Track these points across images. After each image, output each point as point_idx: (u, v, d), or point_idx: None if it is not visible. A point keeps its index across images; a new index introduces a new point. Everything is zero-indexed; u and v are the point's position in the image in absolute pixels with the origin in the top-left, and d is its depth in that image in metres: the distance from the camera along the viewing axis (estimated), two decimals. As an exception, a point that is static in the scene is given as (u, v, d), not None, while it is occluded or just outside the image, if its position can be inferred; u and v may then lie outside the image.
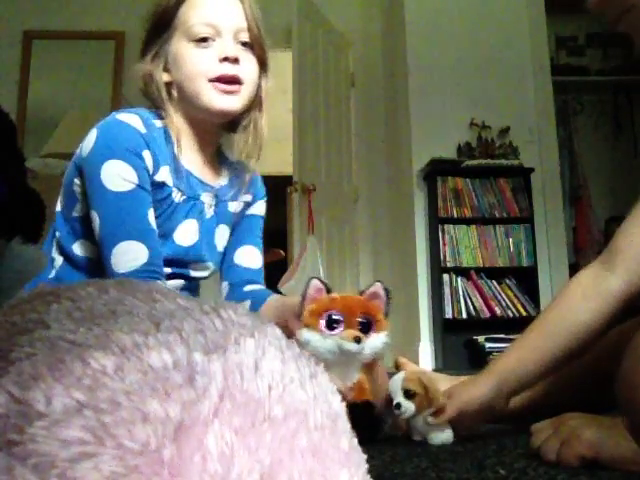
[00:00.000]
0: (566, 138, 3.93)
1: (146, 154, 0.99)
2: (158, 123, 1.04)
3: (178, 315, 0.31)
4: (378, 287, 0.95)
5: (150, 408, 0.25)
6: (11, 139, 0.72)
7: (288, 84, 3.43)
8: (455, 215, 3.17)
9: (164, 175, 1.02)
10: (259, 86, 1.09)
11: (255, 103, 1.10)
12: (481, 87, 3.39)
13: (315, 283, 0.95)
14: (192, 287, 1.17)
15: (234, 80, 1.02)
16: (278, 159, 6.34)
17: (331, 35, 3.90)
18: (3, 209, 0.62)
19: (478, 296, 3.09)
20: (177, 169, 1.04)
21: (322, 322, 0.89)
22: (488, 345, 2.81)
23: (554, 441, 0.70)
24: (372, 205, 3.97)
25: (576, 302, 0.88)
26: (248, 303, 1.13)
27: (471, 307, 3.08)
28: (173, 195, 1.04)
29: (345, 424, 0.31)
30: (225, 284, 1.20)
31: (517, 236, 3.17)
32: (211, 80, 1.01)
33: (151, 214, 0.99)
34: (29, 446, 0.23)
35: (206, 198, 1.11)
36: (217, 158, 1.17)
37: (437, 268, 3.14)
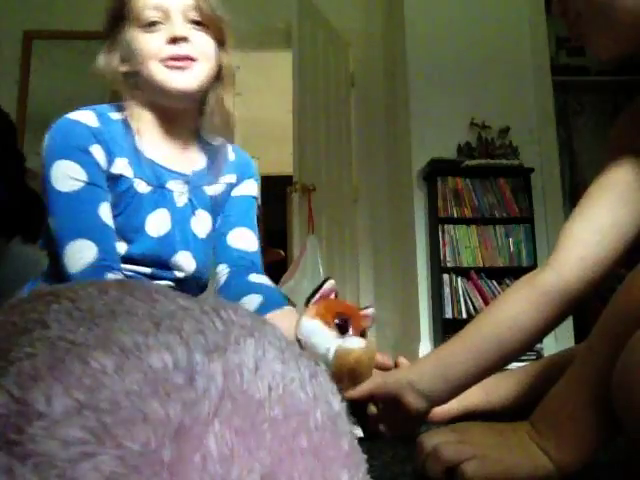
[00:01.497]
0: (566, 138, 3.93)
1: (95, 149, 1.00)
2: (117, 116, 1.05)
3: (178, 315, 0.31)
4: (372, 311, 1.00)
5: (150, 408, 0.25)
6: (11, 139, 0.72)
7: (288, 84, 3.43)
8: (455, 215, 3.17)
9: (121, 167, 1.02)
10: (220, 64, 1.09)
11: (217, 81, 1.10)
12: (481, 87, 3.39)
13: (332, 282, 0.98)
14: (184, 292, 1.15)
15: (185, 58, 1.02)
16: (278, 159, 6.34)
17: (331, 35, 3.90)
18: (3, 209, 0.62)
19: (478, 296, 3.09)
20: (138, 159, 1.04)
21: (336, 321, 0.91)
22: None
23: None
24: (372, 205, 3.97)
25: (508, 294, 0.85)
26: (258, 299, 1.08)
27: (471, 307, 3.08)
28: (136, 186, 1.03)
29: (345, 424, 0.31)
30: (222, 267, 1.16)
31: (517, 236, 3.17)
32: (162, 61, 1.02)
33: (104, 209, 0.99)
34: (29, 446, 0.23)
35: (175, 186, 1.09)
36: (197, 144, 1.16)
37: (437, 268, 3.14)
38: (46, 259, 1.02)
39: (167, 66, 1.02)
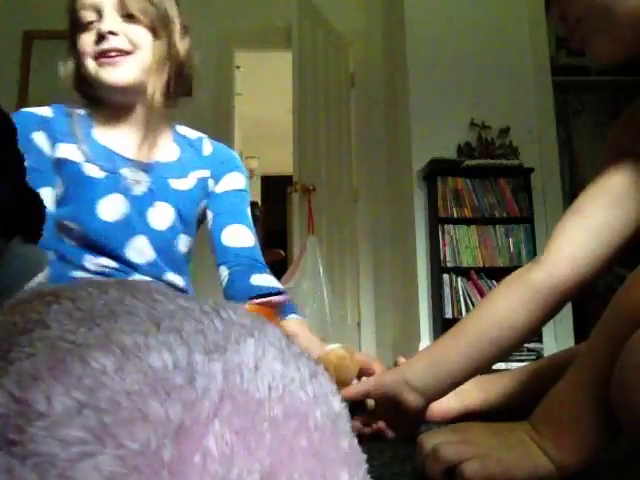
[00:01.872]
0: (566, 138, 3.93)
1: (37, 135, 1.05)
2: (78, 111, 1.11)
3: (178, 315, 0.31)
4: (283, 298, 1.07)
5: (150, 408, 0.25)
6: (11, 139, 0.72)
7: (288, 84, 3.43)
8: (455, 215, 3.17)
9: (65, 151, 1.05)
10: (164, 53, 1.10)
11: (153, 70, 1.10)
12: (481, 87, 3.39)
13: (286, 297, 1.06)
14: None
15: (115, 52, 1.05)
16: (278, 159, 6.34)
17: (331, 35, 3.90)
18: (3, 209, 0.62)
19: (478, 296, 3.09)
20: (92, 146, 1.07)
21: None
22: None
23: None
24: (372, 205, 3.97)
25: (499, 292, 0.86)
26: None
27: (471, 307, 3.08)
28: (85, 170, 1.05)
29: (345, 424, 0.31)
30: (223, 269, 1.15)
31: (517, 236, 3.17)
32: (94, 57, 1.05)
33: (44, 192, 1.02)
34: (29, 446, 0.23)
35: (131, 174, 1.09)
36: (171, 136, 1.17)
37: (437, 268, 3.14)
38: (47, 259, 1.02)
39: (99, 63, 1.05)
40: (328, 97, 3.81)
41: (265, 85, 5.35)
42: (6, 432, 0.24)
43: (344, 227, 3.87)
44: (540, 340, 2.98)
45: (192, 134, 1.22)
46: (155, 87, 1.09)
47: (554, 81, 3.51)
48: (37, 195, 0.72)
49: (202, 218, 1.20)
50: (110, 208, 1.06)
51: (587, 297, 3.25)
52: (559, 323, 3.12)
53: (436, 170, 3.21)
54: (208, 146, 1.21)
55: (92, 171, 1.06)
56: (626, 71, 3.92)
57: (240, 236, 1.16)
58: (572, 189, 3.92)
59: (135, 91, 1.09)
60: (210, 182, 1.18)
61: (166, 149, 1.15)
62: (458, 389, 0.89)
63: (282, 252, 3.94)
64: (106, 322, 0.30)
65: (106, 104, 1.11)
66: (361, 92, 4.10)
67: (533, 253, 3.14)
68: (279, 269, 3.65)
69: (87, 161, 1.06)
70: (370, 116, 4.04)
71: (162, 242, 1.11)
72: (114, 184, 1.07)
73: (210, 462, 0.24)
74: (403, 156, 3.54)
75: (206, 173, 1.17)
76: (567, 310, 3.20)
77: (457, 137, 3.35)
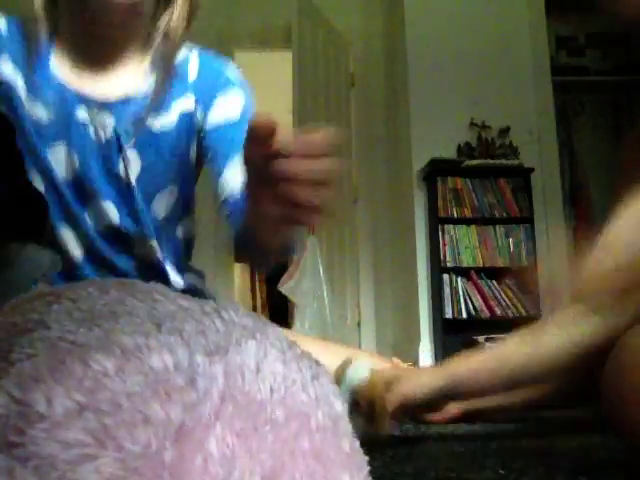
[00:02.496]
0: (566, 138, 3.93)
1: None
2: (42, 31, 0.84)
3: (179, 316, 0.31)
4: None
5: (151, 410, 0.25)
6: (10, 139, 0.72)
7: (288, 84, 3.43)
8: (455, 215, 3.17)
9: (8, 79, 0.83)
10: None
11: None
12: (481, 87, 3.39)
13: None
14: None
15: None
16: (278, 159, 6.34)
17: (331, 35, 3.90)
18: (3, 209, 0.62)
19: (478, 296, 3.09)
20: (43, 77, 0.84)
21: None
22: (488, 345, 2.80)
23: None
24: (372, 205, 3.97)
25: (548, 331, 0.83)
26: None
27: (471, 307, 3.08)
28: (28, 109, 0.83)
29: (347, 426, 0.31)
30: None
31: (517, 236, 3.17)
32: None
33: None
34: (29, 448, 0.23)
35: (91, 116, 0.85)
36: (150, 63, 0.89)
37: (437, 268, 3.14)
38: (60, 262, 0.86)
39: None
40: (328, 97, 3.81)
41: (265, 85, 5.35)
42: (7, 434, 0.24)
43: (344, 227, 3.87)
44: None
45: (166, 63, 0.92)
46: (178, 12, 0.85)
47: (554, 81, 3.50)
48: (40, 194, 0.72)
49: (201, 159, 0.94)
50: (60, 160, 0.84)
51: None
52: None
53: (436, 170, 3.21)
54: (194, 67, 0.92)
55: (38, 112, 0.83)
56: (626, 71, 3.92)
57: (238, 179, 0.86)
58: (572, 189, 3.92)
59: (136, 13, 0.82)
60: (197, 115, 0.91)
61: (141, 79, 0.88)
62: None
63: (282, 252, 3.93)
64: (106, 322, 0.30)
65: (86, 29, 0.84)
66: (361, 92, 4.09)
67: (533, 253, 3.14)
68: (279, 269, 3.65)
69: (30, 98, 0.83)
70: (370, 116, 4.04)
71: (136, 203, 0.88)
72: (64, 131, 0.84)
73: (211, 464, 0.24)
74: (403, 156, 3.54)
75: (189, 104, 0.90)
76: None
77: (457, 137, 3.35)
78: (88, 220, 0.87)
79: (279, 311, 4.03)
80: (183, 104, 0.89)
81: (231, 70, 0.94)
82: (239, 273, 4.69)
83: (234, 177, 0.86)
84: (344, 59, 4.08)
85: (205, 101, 0.90)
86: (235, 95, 0.91)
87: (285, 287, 3.23)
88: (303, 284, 3.23)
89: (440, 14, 3.47)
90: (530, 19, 3.49)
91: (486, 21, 3.46)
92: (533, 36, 3.48)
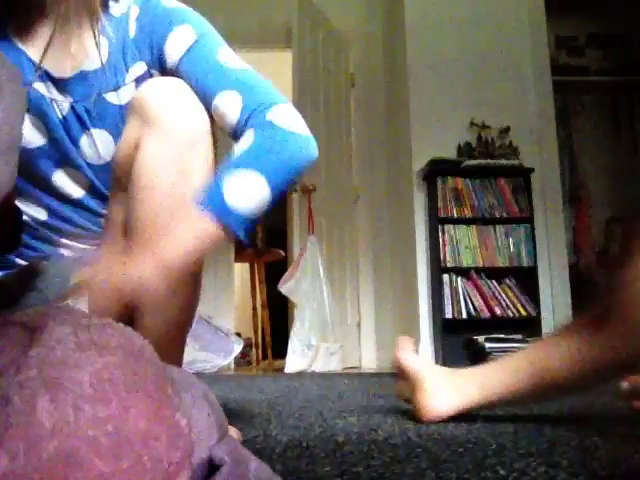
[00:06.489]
0: (566, 138, 3.93)
1: None
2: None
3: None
4: None
5: None
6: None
7: (288, 84, 3.43)
8: (455, 215, 3.17)
9: None
10: None
11: None
12: (481, 87, 3.39)
13: None
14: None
15: None
16: (278, 159, 6.34)
17: (331, 35, 3.90)
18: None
19: (478, 296, 3.09)
20: (4, 47, 0.78)
21: None
22: (488, 345, 2.81)
23: None
24: (372, 205, 3.97)
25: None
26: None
27: (471, 307, 3.08)
28: None
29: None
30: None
31: (517, 236, 3.17)
32: None
33: None
34: None
35: (46, 90, 0.81)
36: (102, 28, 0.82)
37: (437, 268, 3.14)
38: (72, 272, 0.81)
39: None
40: (328, 97, 3.81)
41: (265, 85, 5.34)
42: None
43: (344, 227, 3.87)
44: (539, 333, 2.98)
45: (117, 10, 0.84)
46: None
47: (554, 81, 3.51)
48: (14, 205, 0.71)
49: None
50: (27, 131, 0.80)
51: (587, 289, 3.25)
52: (558, 315, 3.12)
53: (436, 170, 3.21)
54: (133, 20, 0.83)
55: None
56: (626, 71, 3.93)
57: (230, 103, 0.80)
58: (572, 189, 3.93)
59: None
60: (153, 69, 0.83)
61: (93, 49, 0.82)
62: (457, 387, 0.89)
63: (282, 252, 3.94)
64: None
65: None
66: (361, 92, 4.09)
67: (533, 253, 3.14)
68: (279, 269, 3.65)
69: None
70: (370, 116, 4.04)
71: (99, 181, 0.84)
72: (29, 102, 0.79)
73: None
74: (403, 156, 3.54)
75: (140, 67, 0.82)
76: (566, 303, 3.20)
77: (457, 137, 3.35)
78: (58, 181, 0.84)
79: (279, 311, 4.03)
80: (133, 70, 0.83)
81: (173, 7, 0.85)
82: (239, 273, 4.69)
83: (227, 105, 0.80)
84: (344, 59, 4.08)
85: (146, 55, 0.83)
86: (185, 27, 0.83)
87: (285, 287, 3.23)
88: (303, 284, 3.23)
89: (440, 14, 3.47)
90: (530, 19, 3.49)
91: (486, 21, 3.46)
92: (533, 36, 3.48)
